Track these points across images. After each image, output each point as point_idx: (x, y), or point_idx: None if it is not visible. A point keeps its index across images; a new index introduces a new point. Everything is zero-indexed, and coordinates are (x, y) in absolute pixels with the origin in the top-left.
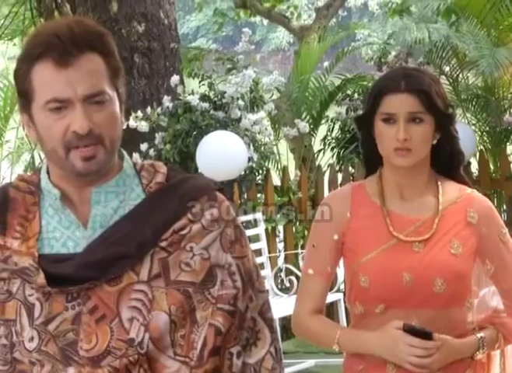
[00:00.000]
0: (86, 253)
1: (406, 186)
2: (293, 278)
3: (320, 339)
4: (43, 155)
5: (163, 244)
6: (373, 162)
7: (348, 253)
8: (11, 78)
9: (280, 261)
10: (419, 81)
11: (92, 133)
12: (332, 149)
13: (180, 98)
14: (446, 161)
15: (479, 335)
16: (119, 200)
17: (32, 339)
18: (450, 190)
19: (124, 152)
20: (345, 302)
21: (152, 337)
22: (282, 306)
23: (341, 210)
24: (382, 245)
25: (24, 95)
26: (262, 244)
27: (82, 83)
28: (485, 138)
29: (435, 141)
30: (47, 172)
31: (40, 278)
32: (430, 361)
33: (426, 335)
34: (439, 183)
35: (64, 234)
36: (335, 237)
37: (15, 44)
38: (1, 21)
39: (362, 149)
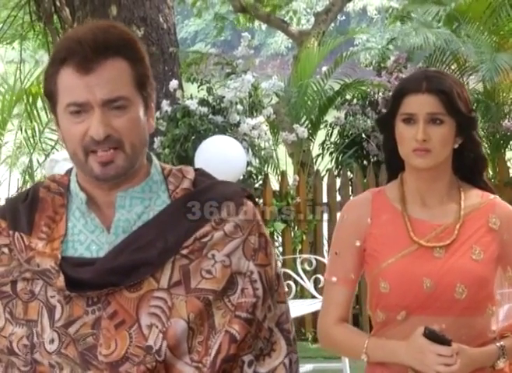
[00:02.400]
0: (107, 259)
1: (427, 190)
2: (291, 283)
3: (346, 349)
4: (41, 159)
5: (185, 251)
6: (394, 166)
7: (369, 259)
8: (10, 81)
9: (278, 266)
10: (440, 82)
11: (110, 138)
12: (331, 154)
13: (179, 102)
14: (468, 166)
15: (499, 343)
16: (144, 205)
17: (52, 341)
18: (473, 196)
19: (153, 155)
20: None
21: (170, 345)
22: None
23: (362, 216)
24: (403, 250)
25: (50, 97)
26: None
27: (101, 88)
28: (484, 144)
29: (456, 145)
30: (76, 175)
31: (60, 281)
32: (457, 368)
33: (445, 342)
34: (461, 188)
35: (88, 237)
36: (357, 243)
37: (13, 48)
38: (0, 25)
39: (384, 152)
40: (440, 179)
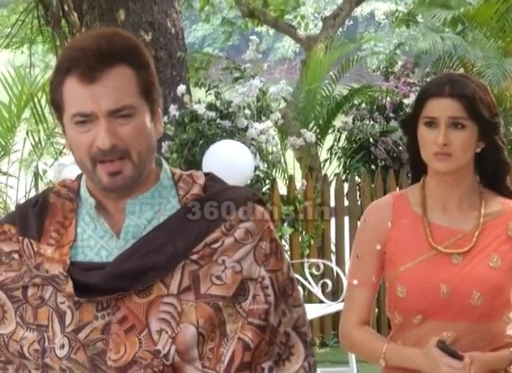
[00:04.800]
0: (116, 264)
1: (448, 194)
2: (299, 287)
3: (365, 352)
4: (49, 163)
5: (194, 257)
6: (418, 169)
7: (388, 263)
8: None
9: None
10: (462, 86)
11: (116, 148)
12: (339, 159)
13: (187, 107)
14: (491, 171)
15: None
16: (154, 211)
17: (63, 346)
18: (493, 203)
19: (163, 160)
20: None
21: (179, 350)
22: None
23: (383, 219)
24: (421, 255)
25: (57, 106)
26: None
27: (106, 98)
28: None
29: (479, 150)
30: (86, 180)
31: (69, 287)
32: None
33: (457, 356)
34: (482, 195)
35: (98, 243)
36: (378, 247)
37: (23, 52)
38: (9, 29)
39: (407, 154)
40: (461, 183)
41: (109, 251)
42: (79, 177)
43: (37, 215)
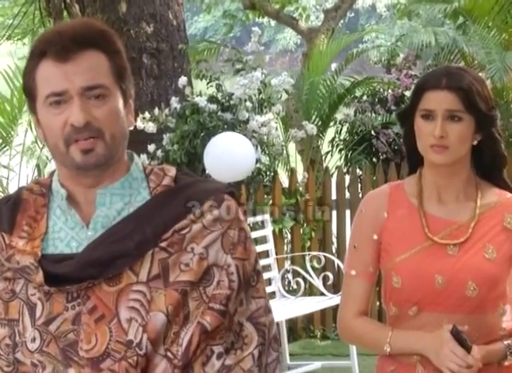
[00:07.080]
0: (85, 253)
1: (445, 187)
2: (300, 280)
3: (368, 341)
4: (50, 155)
5: (164, 244)
6: (414, 161)
7: (384, 253)
8: (20, 78)
9: (287, 263)
10: (459, 79)
11: (90, 126)
12: (340, 151)
13: (188, 99)
14: (488, 164)
15: (507, 342)
16: (124, 202)
17: (34, 339)
18: (489, 195)
19: (135, 155)
20: None
21: (150, 338)
22: (288, 308)
23: (379, 209)
24: (416, 246)
25: (29, 92)
26: (269, 245)
27: (80, 75)
28: None
29: (475, 142)
30: (58, 174)
31: (39, 277)
32: None
33: (465, 345)
34: (478, 186)
35: (68, 234)
36: (375, 237)
37: (24, 44)
38: (11, 21)
39: (404, 146)
40: (458, 175)
41: (79, 242)
42: (52, 173)
43: (10, 210)
